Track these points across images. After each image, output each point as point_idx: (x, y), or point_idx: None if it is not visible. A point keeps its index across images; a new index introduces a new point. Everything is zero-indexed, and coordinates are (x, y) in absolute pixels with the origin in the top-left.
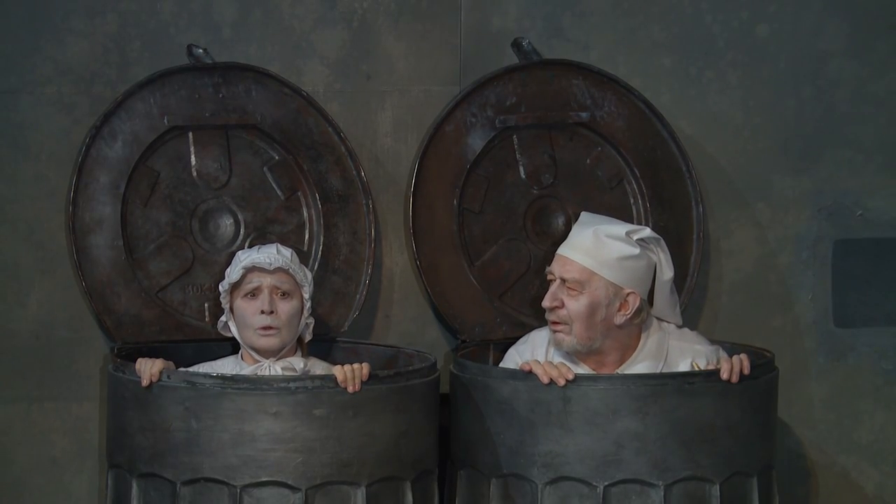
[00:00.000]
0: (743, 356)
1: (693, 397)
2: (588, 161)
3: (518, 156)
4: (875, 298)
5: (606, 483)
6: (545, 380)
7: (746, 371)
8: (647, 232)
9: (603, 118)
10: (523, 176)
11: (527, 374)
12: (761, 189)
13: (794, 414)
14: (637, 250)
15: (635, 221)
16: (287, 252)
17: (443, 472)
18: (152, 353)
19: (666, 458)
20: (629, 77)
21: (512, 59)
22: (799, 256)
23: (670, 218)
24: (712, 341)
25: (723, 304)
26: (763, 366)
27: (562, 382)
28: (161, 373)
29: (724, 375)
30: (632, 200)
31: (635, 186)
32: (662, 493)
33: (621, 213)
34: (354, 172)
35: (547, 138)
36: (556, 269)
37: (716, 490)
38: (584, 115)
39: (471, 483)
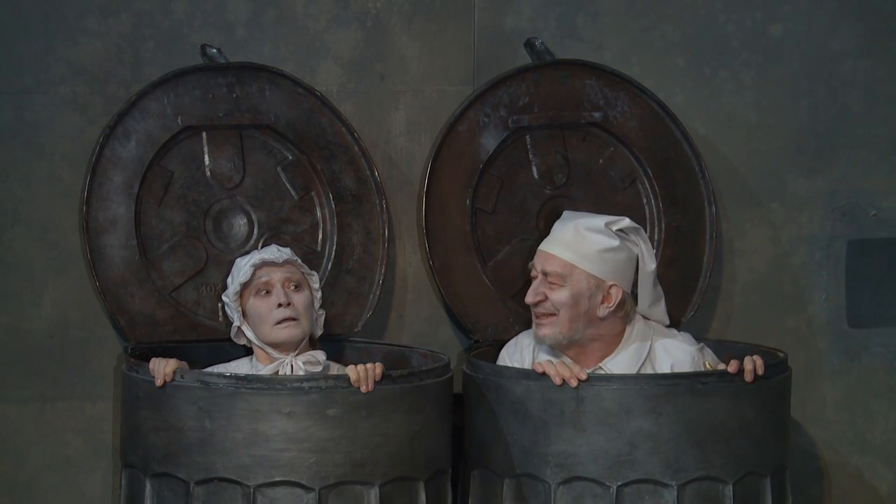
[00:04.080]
0: (756, 357)
1: (706, 397)
2: (601, 161)
3: (531, 156)
4: (889, 298)
5: (619, 483)
6: (557, 381)
7: (760, 371)
8: (626, 222)
9: (616, 118)
10: (536, 176)
11: (540, 374)
12: (775, 189)
13: (807, 414)
14: (616, 242)
15: (648, 222)
16: (287, 250)
17: (456, 472)
18: (166, 353)
19: (679, 458)
20: (642, 77)
21: (525, 59)
22: (812, 256)
23: (683, 218)
24: (698, 339)
25: (736, 304)
26: (776, 366)
27: (574, 383)
28: (175, 372)
29: (732, 369)
30: (645, 200)
31: (648, 186)
32: (675, 493)
33: (634, 213)
34: (368, 172)
35: (560, 138)
36: (537, 264)
37: (729, 490)
38: (597, 115)
39: (484, 483)
